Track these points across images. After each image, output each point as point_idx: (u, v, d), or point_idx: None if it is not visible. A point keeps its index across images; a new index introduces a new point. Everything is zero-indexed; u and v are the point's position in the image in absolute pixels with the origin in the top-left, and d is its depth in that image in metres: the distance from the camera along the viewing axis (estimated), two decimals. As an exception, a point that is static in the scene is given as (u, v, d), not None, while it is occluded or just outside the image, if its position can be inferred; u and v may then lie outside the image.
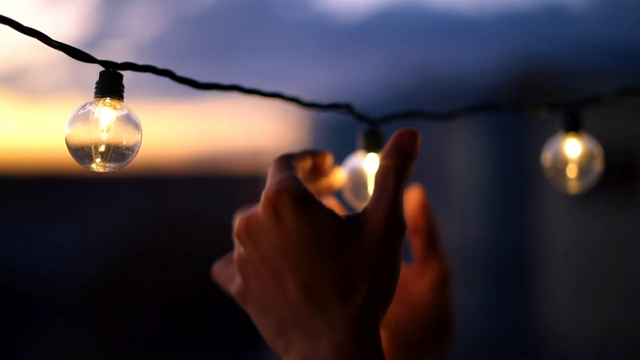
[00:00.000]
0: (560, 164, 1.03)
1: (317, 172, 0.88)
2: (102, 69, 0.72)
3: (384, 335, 0.98)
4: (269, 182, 0.76)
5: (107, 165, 0.69)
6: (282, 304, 0.73)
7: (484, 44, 6.99)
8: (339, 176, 0.90)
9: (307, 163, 0.85)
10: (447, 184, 6.45)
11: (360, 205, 0.93)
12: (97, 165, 0.69)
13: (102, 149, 0.68)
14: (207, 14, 7.83)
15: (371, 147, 0.93)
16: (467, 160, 6.51)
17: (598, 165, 1.02)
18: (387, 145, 0.78)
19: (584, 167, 1.02)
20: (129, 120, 0.70)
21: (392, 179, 0.76)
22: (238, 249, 0.77)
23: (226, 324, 6.68)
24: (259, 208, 0.74)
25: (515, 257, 6.24)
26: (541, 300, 6.08)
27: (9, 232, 7.39)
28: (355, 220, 0.74)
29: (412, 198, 1.01)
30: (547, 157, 1.04)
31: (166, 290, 7.12)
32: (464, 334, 5.86)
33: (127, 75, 0.72)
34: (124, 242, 7.41)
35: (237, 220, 0.76)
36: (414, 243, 1.00)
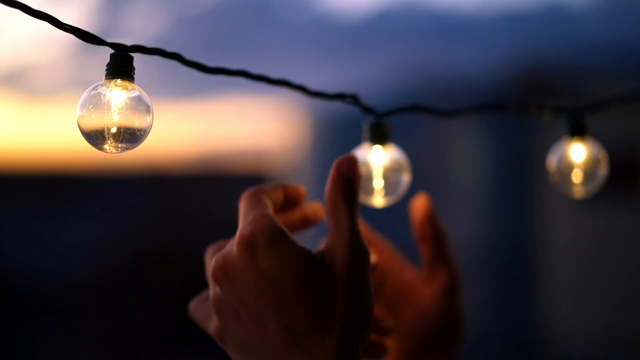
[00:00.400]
0: (566, 168, 1.04)
1: (291, 205, 0.87)
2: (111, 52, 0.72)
3: (394, 340, 0.98)
4: (242, 220, 0.76)
5: (119, 146, 0.69)
6: (262, 344, 0.73)
7: (487, 44, 6.99)
8: (316, 209, 0.90)
9: (278, 197, 0.84)
10: (450, 184, 6.45)
11: (366, 200, 0.93)
12: (110, 146, 0.68)
13: (114, 130, 0.68)
14: (210, 13, 7.84)
15: (377, 139, 0.93)
16: (470, 160, 6.50)
17: (603, 170, 1.03)
18: (329, 176, 0.78)
19: (589, 172, 1.03)
20: (141, 102, 0.70)
21: (343, 208, 0.76)
22: (214, 289, 0.77)
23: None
24: (234, 247, 0.74)
25: (518, 257, 6.24)
26: (544, 299, 6.07)
27: (13, 231, 7.40)
28: (322, 256, 0.74)
29: (419, 205, 1.00)
30: (552, 161, 1.04)
31: (170, 290, 7.12)
32: (467, 333, 5.85)
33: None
34: (128, 241, 7.42)
35: (213, 261, 0.75)
36: (423, 250, 1.00)
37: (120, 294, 6.96)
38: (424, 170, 6.01)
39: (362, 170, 0.92)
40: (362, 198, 0.93)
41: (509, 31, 7.12)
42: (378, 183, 0.92)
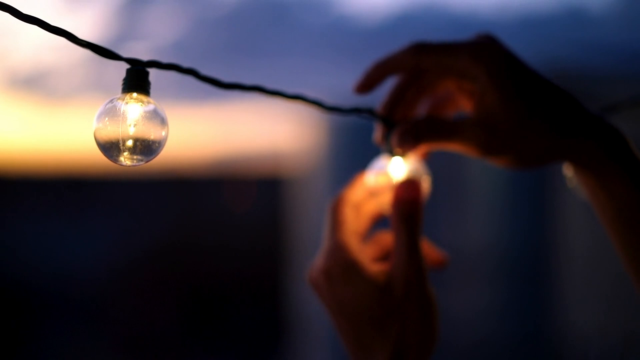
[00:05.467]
0: None
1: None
2: (127, 67, 0.73)
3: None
4: (326, 238, 0.87)
5: (135, 157, 0.70)
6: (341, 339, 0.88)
7: (505, 48, 6.95)
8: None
9: (361, 193, 0.91)
10: (465, 186, 6.44)
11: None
12: (125, 159, 0.70)
13: (129, 143, 0.69)
14: (229, 16, 7.85)
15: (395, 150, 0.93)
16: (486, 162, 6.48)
17: None
18: (391, 200, 0.87)
19: None
20: (156, 115, 0.71)
21: (401, 232, 0.85)
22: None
23: (247, 326, 6.69)
24: (318, 274, 0.87)
25: (535, 260, 6.22)
26: (560, 304, 6.05)
27: (31, 233, 7.45)
28: (388, 282, 0.84)
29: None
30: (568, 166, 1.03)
31: (187, 291, 7.15)
32: (484, 338, 5.84)
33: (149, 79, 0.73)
34: (146, 243, 7.45)
35: (309, 268, 0.89)
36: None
37: (138, 295, 6.99)
38: (439, 172, 6.01)
39: (382, 180, 0.93)
40: (384, 208, 0.94)
41: (528, 35, 7.10)
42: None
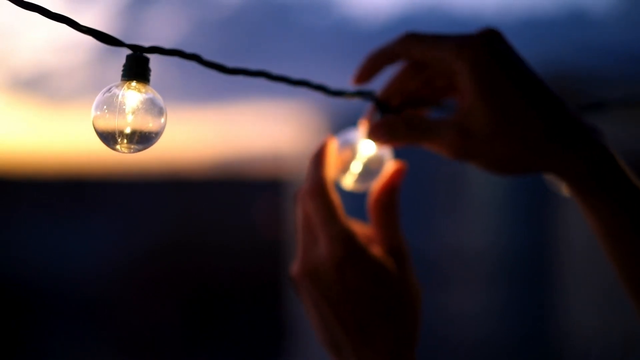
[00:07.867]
0: None
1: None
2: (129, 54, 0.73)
3: None
4: (322, 229, 0.84)
5: (132, 147, 0.69)
6: (342, 340, 0.85)
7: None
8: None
9: (331, 170, 0.90)
10: (466, 187, 6.44)
11: (339, 178, 0.94)
12: (122, 147, 0.69)
13: (127, 131, 0.69)
14: (230, 18, 7.86)
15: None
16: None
17: None
18: (379, 184, 0.89)
19: None
20: (154, 104, 0.70)
21: (394, 215, 0.88)
22: (301, 286, 0.88)
23: (248, 326, 6.69)
24: (325, 261, 0.84)
25: (535, 261, 6.21)
26: (562, 304, 6.04)
27: (33, 234, 7.44)
28: (394, 265, 0.86)
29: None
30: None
31: (187, 291, 7.14)
32: (484, 341, 5.83)
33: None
34: (147, 245, 7.44)
35: (303, 266, 0.86)
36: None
37: (138, 295, 6.99)
38: (440, 176, 6.00)
39: (346, 155, 0.93)
40: (336, 175, 0.93)
41: (530, 36, 7.10)
42: (356, 167, 0.93)
